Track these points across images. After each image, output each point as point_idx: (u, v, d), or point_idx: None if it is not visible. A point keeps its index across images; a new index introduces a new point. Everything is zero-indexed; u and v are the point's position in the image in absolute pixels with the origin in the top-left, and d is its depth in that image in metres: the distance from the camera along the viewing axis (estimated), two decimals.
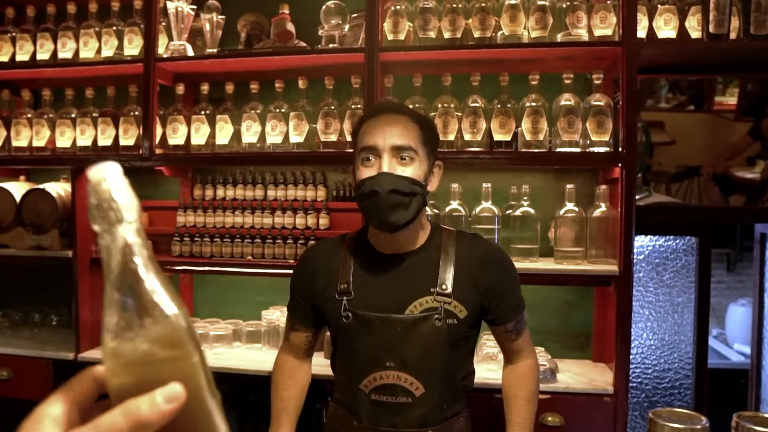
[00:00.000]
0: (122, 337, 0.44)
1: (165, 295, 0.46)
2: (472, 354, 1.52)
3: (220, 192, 2.58)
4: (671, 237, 2.55)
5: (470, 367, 1.50)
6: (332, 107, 2.33)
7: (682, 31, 2.18)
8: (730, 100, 2.85)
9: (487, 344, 2.28)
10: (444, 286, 1.35)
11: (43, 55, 2.60)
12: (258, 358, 2.41)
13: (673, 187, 2.75)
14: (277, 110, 2.39)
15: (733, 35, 2.10)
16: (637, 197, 2.57)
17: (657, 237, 2.55)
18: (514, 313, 1.44)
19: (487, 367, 2.22)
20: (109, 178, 0.45)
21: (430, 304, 1.34)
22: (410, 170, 1.32)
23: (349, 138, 2.31)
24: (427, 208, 1.47)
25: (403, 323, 1.33)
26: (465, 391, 1.47)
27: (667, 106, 2.90)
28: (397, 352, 1.33)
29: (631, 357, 2.20)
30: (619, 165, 2.11)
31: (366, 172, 1.33)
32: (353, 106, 2.31)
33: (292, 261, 2.37)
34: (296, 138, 2.36)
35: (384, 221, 1.31)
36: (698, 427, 0.81)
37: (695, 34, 2.15)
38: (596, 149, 2.17)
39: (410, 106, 2.24)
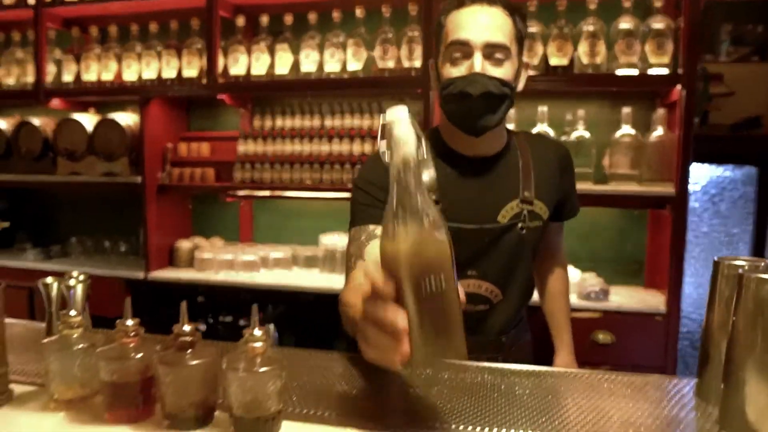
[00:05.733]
0: (403, 231, 0.65)
1: (423, 201, 0.66)
2: None
3: (279, 122, 2.67)
4: (729, 167, 2.51)
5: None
6: (389, 35, 2.37)
7: None
8: None
9: None
10: (529, 188, 1.28)
11: None
12: (315, 278, 2.53)
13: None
14: (335, 39, 2.44)
15: None
16: None
17: (715, 166, 2.52)
18: (575, 209, 1.43)
19: None
20: (399, 117, 0.68)
21: (515, 210, 1.27)
22: (502, 71, 1.18)
23: (406, 64, 2.36)
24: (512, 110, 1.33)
25: (492, 233, 1.25)
26: (531, 291, 1.42)
27: (728, 59, 2.82)
28: (481, 262, 1.26)
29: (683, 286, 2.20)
30: (679, 86, 2.10)
31: (454, 71, 1.19)
32: (410, 33, 2.35)
33: (350, 185, 2.44)
34: (354, 65, 2.41)
35: (473, 125, 1.21)
36: None
37: None
38: (655, 71, 2.15)
39: None
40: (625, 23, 2.18)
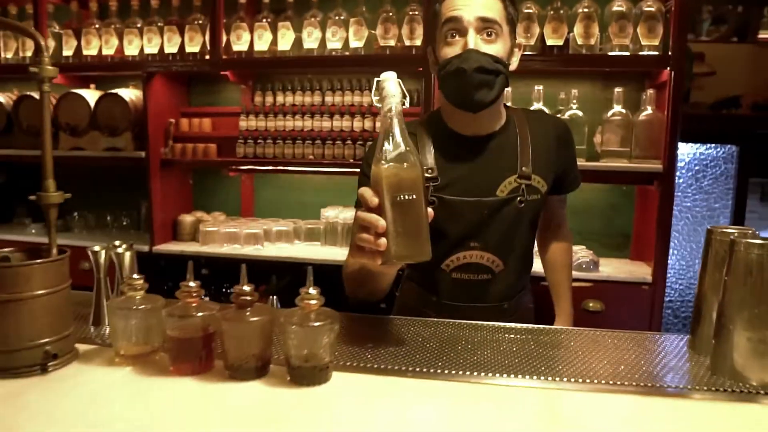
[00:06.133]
0: (385, 158, 0.91)
1: (396, 142, 0.91)
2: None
3: (280, 98, 2.73)
4: (712, 145, 2.65)
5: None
6: (390, 14, 2.43)
7: None
8: None
9: None
10: (526, 164, 1.35)
11: None
12: (317, 251, 2.62)
13: None
14: (337, 17, 2.50)
15: None
16: None
17: (698, 145, 2.66)
18: (576, 181, 1.52)
19: None
20: (389, 79, 0.93)
21: (513, 184, 1.34)
22: (494, 48, 1.26)
23: (407, 43, 2.43)
24: (507, 89, 1.40)
25: (490, 206, 1.33)
26: (532, 260, 1.54)
27: (708, 38, 2.92)
28: (482, 234, 1.34)
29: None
30: (668, 67, 2.21)
31: (450, 51, 1.27)
32: (411, 13, 2.41)
33: (352, 161, 2.53)
34: (356, 43, 2.47)
35: (470, 101, 1.27)
36: None
37: None
38: (646, 53, 2.25)
39: None
40: (618, 6, 2.28)
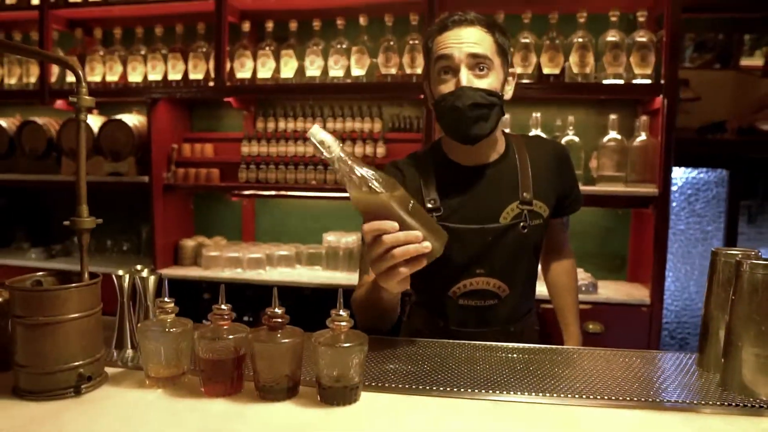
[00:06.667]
0: (377, 188, 1.00)
1: (368, 173, 1.01)
2: None
3: (282, 124, 2.78)
4: (704, 169, 2.73)
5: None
6: (392, 42, 2.51)
7: None
8: (757, 61, 2.97)
9: None
10: (527, 190, 1.39)
11: None
12: (319, 275, 2.64)
13: None
14: (339, 46, 2.56)
15: None
16: None
17: (690, 170, 2.74)
18: (576, 203, 1.52)
19: None
20: (318, 132, 1.00)
21: (516, 210, 1.38)
22: (487, 81, 1.30)
23: (408, 71, 2.50)
24: (504, 118, 1.44)
25: (494, 232, 1.36)
26: (536, 283, 1.56)
27: (691, 65, 3.03)
28: (488, 260, 1.37)
29: None
30: (661, 95, 2.29)
31: (444, 88, 1.32)
32: (411, 42, 2.49)
33: None
34: (358, 71, 2.54)
35: (466, 135, 1.32)
36: None
37: None
38: (639, 81, 2.34)
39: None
40: (612, 36, 2.37)
